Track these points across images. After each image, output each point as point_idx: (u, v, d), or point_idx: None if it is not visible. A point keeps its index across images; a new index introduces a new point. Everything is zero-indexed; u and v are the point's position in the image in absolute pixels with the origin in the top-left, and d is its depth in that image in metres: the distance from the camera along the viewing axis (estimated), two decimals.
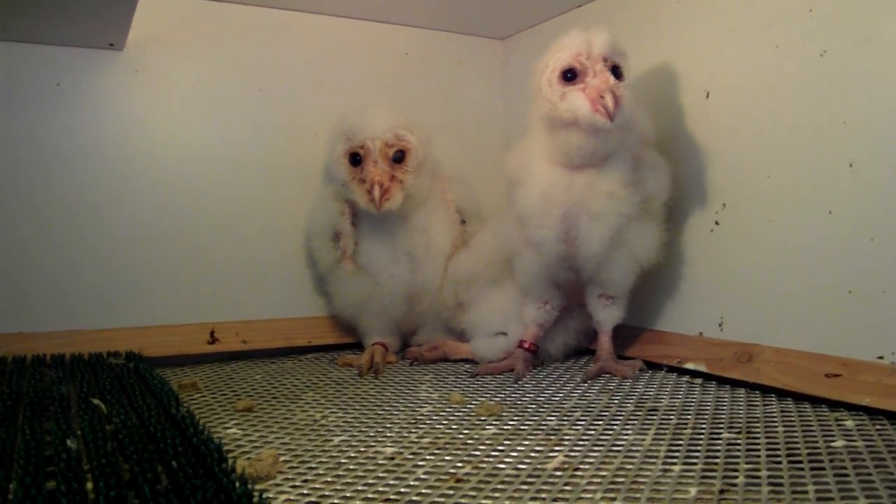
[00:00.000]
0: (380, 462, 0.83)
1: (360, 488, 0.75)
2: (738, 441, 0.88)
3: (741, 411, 1.01)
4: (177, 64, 1.49)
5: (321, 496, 0.73)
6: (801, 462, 0.80)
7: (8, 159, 1.35)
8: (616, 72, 1.14)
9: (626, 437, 0.90)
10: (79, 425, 0.88)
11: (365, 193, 1.36)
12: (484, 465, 0.81)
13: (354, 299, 1.49)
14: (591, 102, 1.10)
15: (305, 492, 0.74)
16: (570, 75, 1.13)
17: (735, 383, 1.17)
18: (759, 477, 0.75)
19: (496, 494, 0.73)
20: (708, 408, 1.04)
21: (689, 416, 0.99)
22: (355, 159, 1.39)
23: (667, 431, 0.93)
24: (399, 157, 1.39)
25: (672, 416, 0.99)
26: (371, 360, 1.38)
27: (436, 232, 1.48)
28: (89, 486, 0.67)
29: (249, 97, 1.56)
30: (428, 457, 0.85)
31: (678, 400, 1.08)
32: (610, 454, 0.84)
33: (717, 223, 1.22)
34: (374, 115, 1.41)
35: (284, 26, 1.59)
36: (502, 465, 0.81)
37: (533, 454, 0.85)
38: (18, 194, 1.36)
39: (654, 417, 0.99)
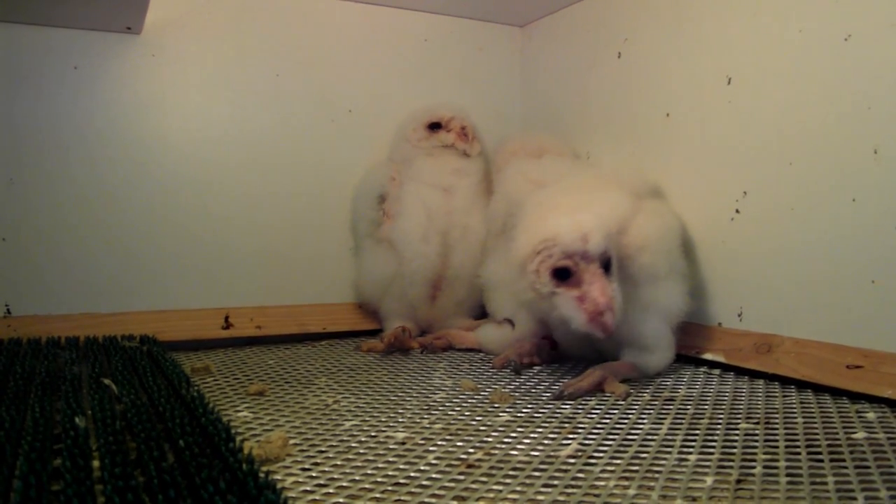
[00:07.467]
0: (391, 447, 0.82)
1: (369, 472, 0.74)
2: (757, 432, 0.86)
3: (760, 402, 1.00)
4: (194, 48, 1.48)
5: (330, 479, 0.72)
6: (820, 454, 0.78)
7: (25, 142, 1.35)
8: None
9: (641, 426, 0.89)
10: (89, 405, 0.88)
11: (456, 138, 1.54)
12: (496, 452, 0.80)
13: (381, 275, 1.51)
14: None
15: (314, 474, 0.73)
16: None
17: (754, 374, 1.15)
18: (776, 468, 0.74)
19: (507, 480, 0.71)
20: (726, 398, 1.02)
21: (706, 407, 0.97)
22: (434, 127, 1.55)
23: (683, 421, 0.91)
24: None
25: (689, 406, 0.98)
26: (394, 336, 1.39)
27: (474, 219, 1.50)
28: (95, 463, 0.67)
29: (266, 82, 1.55)
30: (440, 442, 0.84)
31: (696, 390, 1.07)
32: (625, 443, 0.83)
33: (737, 211, 1.20)
34: (446, 102, 1.60)
35: (302, 11, 1.58)
36: (515, 452, 0.80)
37: (546, 441, 0.84)
38: (34, 177, 1.36)
39: (671, 407, 0.98)
